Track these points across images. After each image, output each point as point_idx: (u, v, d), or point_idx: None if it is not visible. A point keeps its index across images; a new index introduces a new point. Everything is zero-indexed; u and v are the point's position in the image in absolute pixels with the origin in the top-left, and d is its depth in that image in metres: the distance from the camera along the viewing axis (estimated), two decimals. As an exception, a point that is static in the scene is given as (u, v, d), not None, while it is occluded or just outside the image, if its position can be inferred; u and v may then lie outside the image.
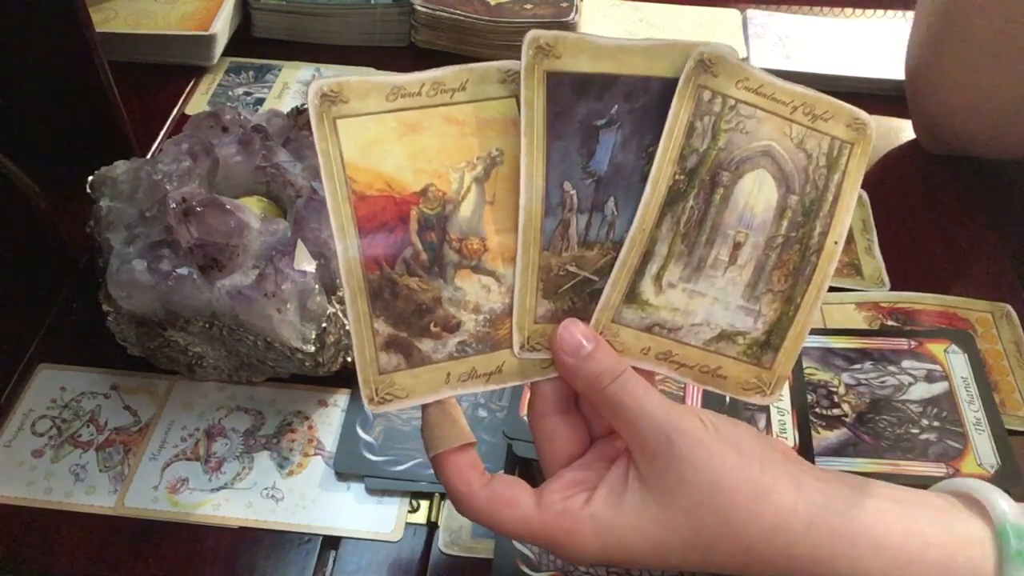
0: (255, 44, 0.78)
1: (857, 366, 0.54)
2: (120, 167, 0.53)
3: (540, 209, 0.37)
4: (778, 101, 0.38)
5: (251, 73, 0.76)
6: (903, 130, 0.72)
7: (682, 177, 0.37)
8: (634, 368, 0.37)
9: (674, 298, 0.38)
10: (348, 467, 0.49)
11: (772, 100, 0.38)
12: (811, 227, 0.39)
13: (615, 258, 0.37)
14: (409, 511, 0.48)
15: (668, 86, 0.37)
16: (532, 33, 0.36)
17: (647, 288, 0.38)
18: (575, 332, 0.37)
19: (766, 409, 0.50)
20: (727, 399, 0.49)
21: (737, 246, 0.38)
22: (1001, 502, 0.35)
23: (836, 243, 0.39)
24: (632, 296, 0.38)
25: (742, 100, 0.37)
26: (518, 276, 0.37)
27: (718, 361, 0.39)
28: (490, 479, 0.37)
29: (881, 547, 0.34)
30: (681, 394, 0.50)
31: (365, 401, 0.37)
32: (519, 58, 0.36)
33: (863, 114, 0.39)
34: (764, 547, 0.35)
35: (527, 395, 0.50)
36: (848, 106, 0.39)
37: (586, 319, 0.38)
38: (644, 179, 0.37)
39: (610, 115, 0.37)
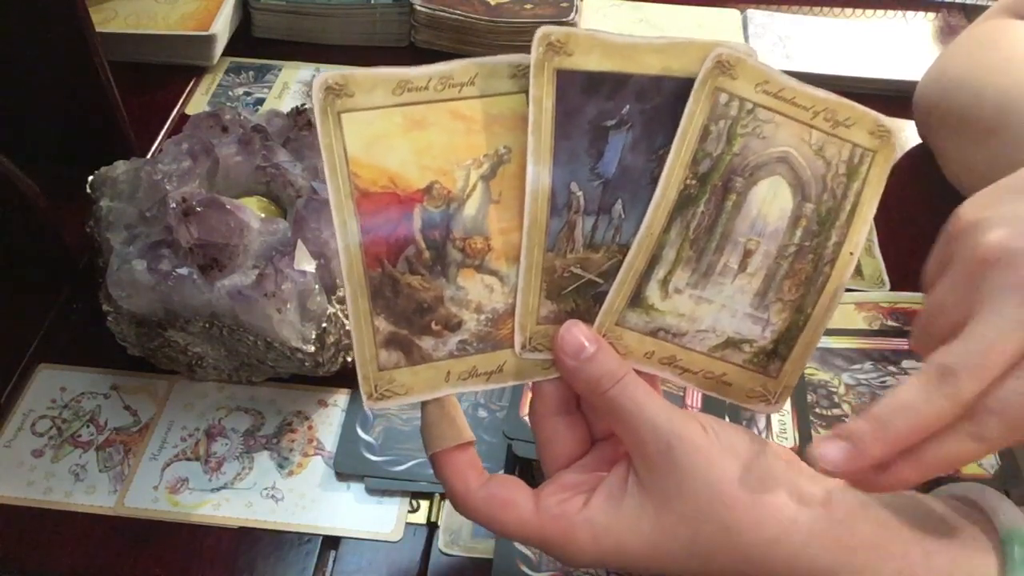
0: (255, 44, 0.78)
1: (857, 366, 0.54)
2: (120, 167, 0.53)
3: (546, 210, 0.36)
4: (798, 106, 0.36)
5: (251, 73, 0.76)
6: (903, 130, 0.72)
7: (694, 182, 0.36)
8: (637, 372, 0.37)
9: (680, 303, 0.37)
10: (348, 467, 0.49)
11: (792, 104, 0.36)
12: (826, 237, 0.37)
13: (621, 261, 0.37)
14: (409, 511, 0.48)
15: (682, 87, 0.35)
16: (543, 29, 0.34)
17: (653, 292, 0.37)
18: (577, 334, 0.36)
19: (766, 409, 0.50)
20: (727, 401, 0.49)
21: (748, 254, 0.37)
22: (1005, 508, 0.35)
23: (852, 254, 0.38)
24: (637, 300, 0.37)
25: (761, 104, 0.36)
26: (522, 276, 0.37)
27: (723, 368, 0.38)
28: (488, 479, 0.37)
29: (883, 557, 0.33)
30: (681, 395, 0.50)
31: (364, 397, 0.36)
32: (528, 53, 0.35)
33: (888, 121, 0.37)
34: (763, 558, 0.34)
35: (527, 395, 0.50)
36: (872, 112, 0.37)
37: (590, 321, 0.37)
38: (653, 182, 0.36)
39: (620, 115, 0.36)
